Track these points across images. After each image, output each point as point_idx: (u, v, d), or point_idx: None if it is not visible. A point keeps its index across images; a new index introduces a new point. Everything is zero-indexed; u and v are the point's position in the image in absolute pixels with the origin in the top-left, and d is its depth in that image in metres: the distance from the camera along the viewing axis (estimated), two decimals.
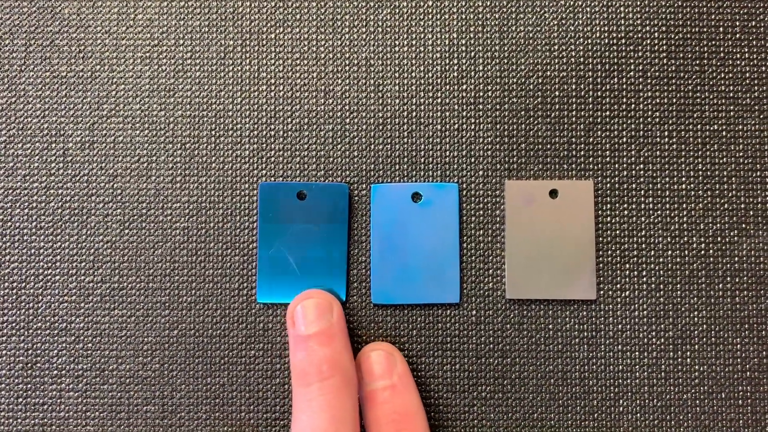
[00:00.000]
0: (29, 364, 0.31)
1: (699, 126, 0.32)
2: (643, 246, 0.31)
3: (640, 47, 0.32)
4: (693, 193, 0.32)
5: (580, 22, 0.32)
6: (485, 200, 0.32)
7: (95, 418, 0.31)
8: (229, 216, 0.32)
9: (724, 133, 0.32)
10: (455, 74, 0.32)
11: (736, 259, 0.31)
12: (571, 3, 0.32)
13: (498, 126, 0.32)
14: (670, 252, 0.31)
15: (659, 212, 0.32)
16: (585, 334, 0.31)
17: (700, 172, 0.32)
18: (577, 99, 0.32)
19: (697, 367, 0.31)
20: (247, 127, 0.32)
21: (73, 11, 0.33)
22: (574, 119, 0.32)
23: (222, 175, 0.32)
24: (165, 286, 0.32)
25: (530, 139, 0.32)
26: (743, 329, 0.31)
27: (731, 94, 0.32)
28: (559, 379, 0.31)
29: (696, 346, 0.31)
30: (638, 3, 0.32)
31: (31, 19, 0.33)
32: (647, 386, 0.31)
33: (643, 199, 0.32)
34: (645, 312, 0.31)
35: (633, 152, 0.32)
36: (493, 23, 0.32)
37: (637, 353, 0.31)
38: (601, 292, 0.31)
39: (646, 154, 0.32)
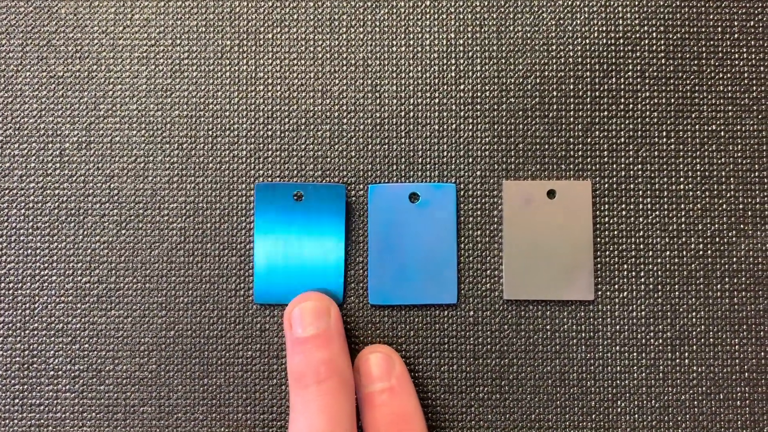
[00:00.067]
0: (26, 365, 0.31)
1: (697, 126, 0.32)
2: (642, 246, 0.31)
3: (638, 47, 0.32)
4: (691, 193, 0.32)
5: (578, 22, 0.32)
6: (483, 200, 0.32)
7: (92, 419, 0.31)
8: (226, 216, 0.32)
9: (722, 133, 0.32)
10: (453, 74, 0.32)
11: (735, 259, 0.31)
12: (569, 3, 0.32)
13: (496, 126, 0.32)
14: (668, 252, 0.31)
15: (657, 213, 0.32)
16: (583, 334, 0.31)
17: (699, 173, 0.32)
18: (575, 99, 0.32)
19: (695, 367, 0.31)
20: (245, 127, 0.32)
21: (69, 11, 0.33)
22: (572, 119, 0.32)
23: (219, 175, 0.32)
24: (162, 287, 0.31)
25: (528, 139, 0.32)
26: (741, 330, 0.31)
27: (730, 95, 0.32)
28: (557, 380, 0.31)
29: (694, 347, 0.31)
30: (636, 3, 0.32)
31: (27, 19, 0.33)
32: (645, 387, 0.31)
33: (641, 199, 0.32)
34: (643, 313, 0.31)
35: (631, 152, 0.32)
36: (490, 23, 0.32)
37: (635, 354, 0.31)
38: (599, 293, 0.31)
39: (644, 155, 0.32)
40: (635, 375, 0.31)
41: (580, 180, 0.32)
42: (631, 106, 0.32)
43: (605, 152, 0.32)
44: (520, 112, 0.32)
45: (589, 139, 0.32)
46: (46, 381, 0.31)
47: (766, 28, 0.32)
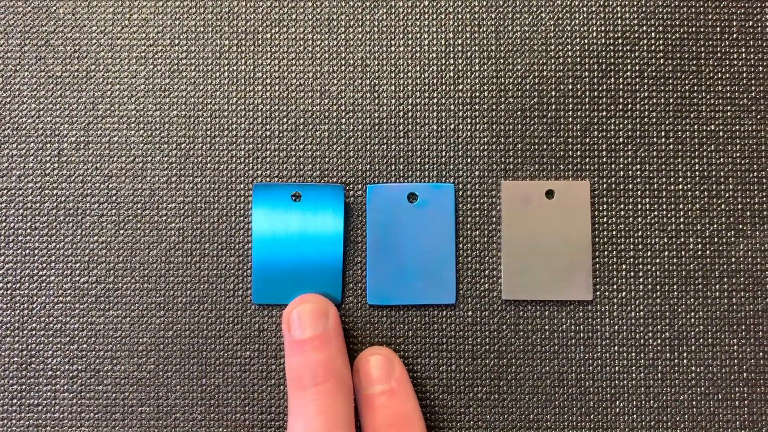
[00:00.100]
0: (24, 365, 0.31)
1: (696, 126, 0.32)
2: (640, 247, 0.31)
3: (636, 47, 0.32)
4: (690, 193, 0.32)
5: (577, 22, 0.32)
6: (481, 201, 0.32)
7: (90, 419, 0.31)
8: (225, 216, 0.32)
9: (721, 133, 0.32)
10: (451, 74, 0.32)
11: (733, 260, 0.31)
12: (568, 3, 0.32)
13: (494, 126, 0.32)
14: (666, 253, 0.31)
15: (656, 213, 0.32)
16: (581, 335, 0.31)
17: (697, 173, 0.32)
18: (573, 99, 0.32)
19: (693, 368, 0.31)
20: (243, 127, 0.32)
21: (68, 11, 0.33)
22: (570, 119, 0.32)
23: (217, 175, 0.32)
24: (160, 287, 0.31)
25: (526, 139, 0.32)
26: (740, 330, 0.31)
27: (728, 95, 0.32)
28: (556, 381, 0.31)
29: (693, 347, 0.31)
30: (635, 3, 0.32)
31: (26, 18, 0.33)
32: (644, 387, 0.31)
33: (639, 199, 0.32)
34: (641, 313, 0.31)
35: (630, 153, 0.32)
36: (489, 23, 0.32)
37: (633, 354, 0.31)
38: (598, 293, 0.31)
39: (642, 155, 0.32)
40: (634, 375, 0.31)
41: (578, 180, 0.32)
42: (629, 106, 0.32)
43: (604, 152, 0.32)
44: (519, 112, 0.32)
45: (587, 140, 0.32)
46: (44, 381, 0.31)
47: (764, 28, 0.32)
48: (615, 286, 0.31)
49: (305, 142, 0.32)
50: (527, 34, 0.32)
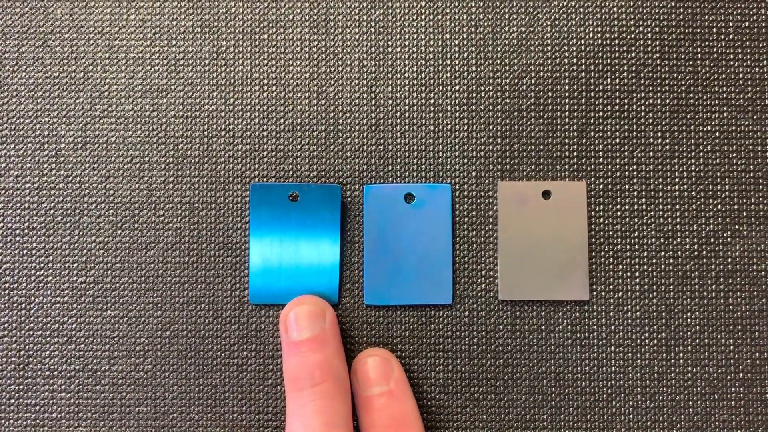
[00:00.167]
0: (21, 365, 0.31)
1: (692, 127, 0.32)
2: (636, 247, 0.31)
3: (633, 48, 0.32)
4: (686, 194, 0.32)
5: (573, 22, 0.32)
6: (478, 201, 0.32)
7: (87, 419, 0.31)
8: (222, 217, 0.32)
9: (717, 134, 0.32)
10: (448, 75, 0.32)
11: (729, 260, 0.31)
12: (564, 3, 0.32)
13: (491, 127, 0.32)
14: (663, 253, 0.31)
15: (652, 213, 0.32)
16: (578, 335, 0.31)
17: (694, 173, 0.32)
18: (570, 100, 0.32)
19: (690, 368, 0.31)
20: (240, 127, 0.32)
21: (65, 12, 0.33)
22: (567, 120, 0.32)
23: (214, 175, 0.32)
24: (157, 287, 0.32)
25: (523, 139, 0.32)
26: (736, 330, 0.31)
27: (724, 95, 0.32)
28: (552, 381, 0.31)
29: (689, 348, 0.31)
30: (631, 4, 0.32)
31: (23, 19, 0.33)
32: (640, 387, 0.31)
33: (636, 200, 0.32)
34: (638, 313, 0.31)
35: (626, 153, 0.32)
36: (486, 24, 0.32)
37: (630, 354, 0.31)
38: (594, 293, 0.31)
39: (639, 155, 0.32)
40: (630, 375, 0.31)
41: (575, 180, 0.32)
42: (626, 106, 0.32)
43: (600, 153, 0.32)
44: (515, 113, 0.32)
45: (584, 140, 0.32)
46: (41, 381, 0.31)
47: (760, 29, 0.32)
48: (611, 287, 0.31)
49: (302, 143, 0.32)
50: (524, 35, 0.32)
